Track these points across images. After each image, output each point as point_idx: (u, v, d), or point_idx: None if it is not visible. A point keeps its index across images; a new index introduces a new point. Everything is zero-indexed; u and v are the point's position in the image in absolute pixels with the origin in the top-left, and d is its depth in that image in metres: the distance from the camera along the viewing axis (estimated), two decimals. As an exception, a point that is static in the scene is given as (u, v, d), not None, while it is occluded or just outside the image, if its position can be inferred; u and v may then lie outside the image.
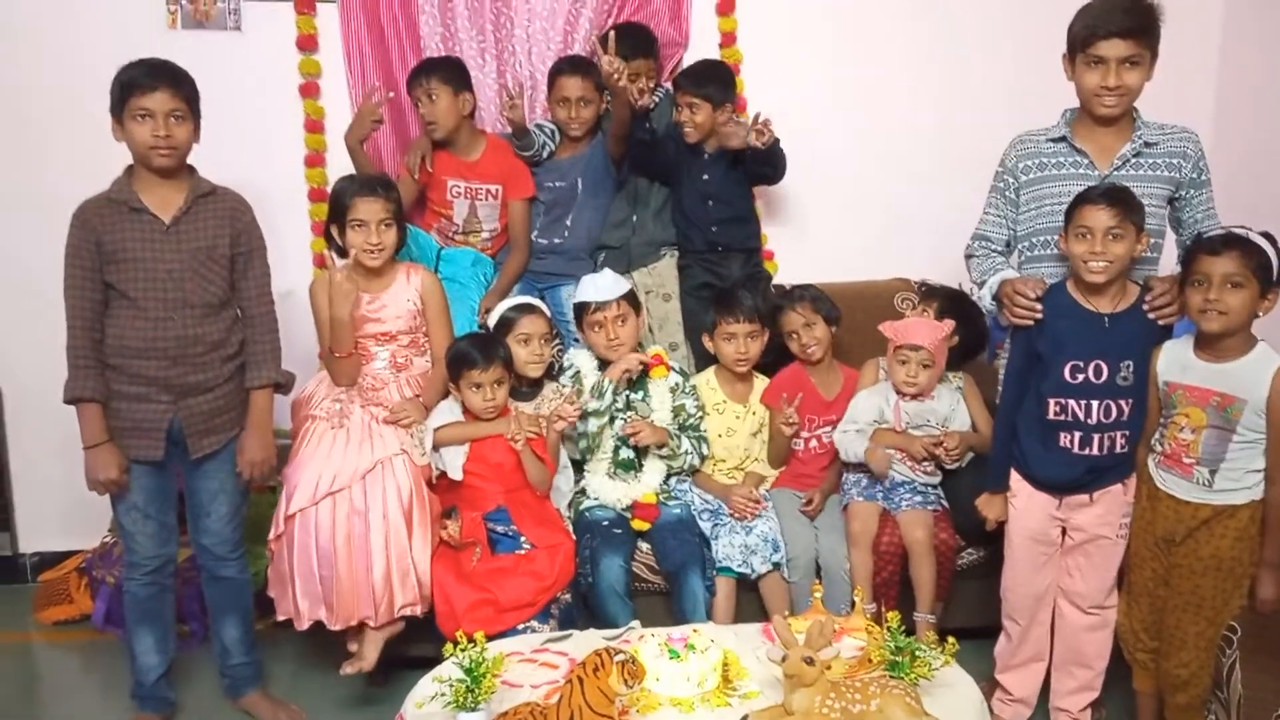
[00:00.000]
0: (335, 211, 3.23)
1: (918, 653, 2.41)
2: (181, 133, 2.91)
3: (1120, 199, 2.80)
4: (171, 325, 2.94)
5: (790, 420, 3.38)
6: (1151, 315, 2.87)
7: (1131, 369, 2.87)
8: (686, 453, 3.42)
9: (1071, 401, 2.89)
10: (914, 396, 3.33)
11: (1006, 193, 3.18)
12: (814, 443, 3.57)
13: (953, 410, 3.36)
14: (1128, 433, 2.90)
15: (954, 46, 4.17)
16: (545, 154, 3.83)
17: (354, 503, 3.07)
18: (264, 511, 3.31)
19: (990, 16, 4.13)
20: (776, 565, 3.31)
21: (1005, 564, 3.11)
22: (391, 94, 3.83)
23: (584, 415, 3.33)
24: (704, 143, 3.71)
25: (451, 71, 3.67)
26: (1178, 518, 2.84)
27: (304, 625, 3.12)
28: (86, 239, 2.91)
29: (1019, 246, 3.21)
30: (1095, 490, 2.95)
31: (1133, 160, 3.03)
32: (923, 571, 3.27)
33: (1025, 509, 3.03)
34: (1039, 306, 2.92)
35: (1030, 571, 3.05)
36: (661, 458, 3.42)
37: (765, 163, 3.60)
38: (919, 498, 3.36)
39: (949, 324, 3.29)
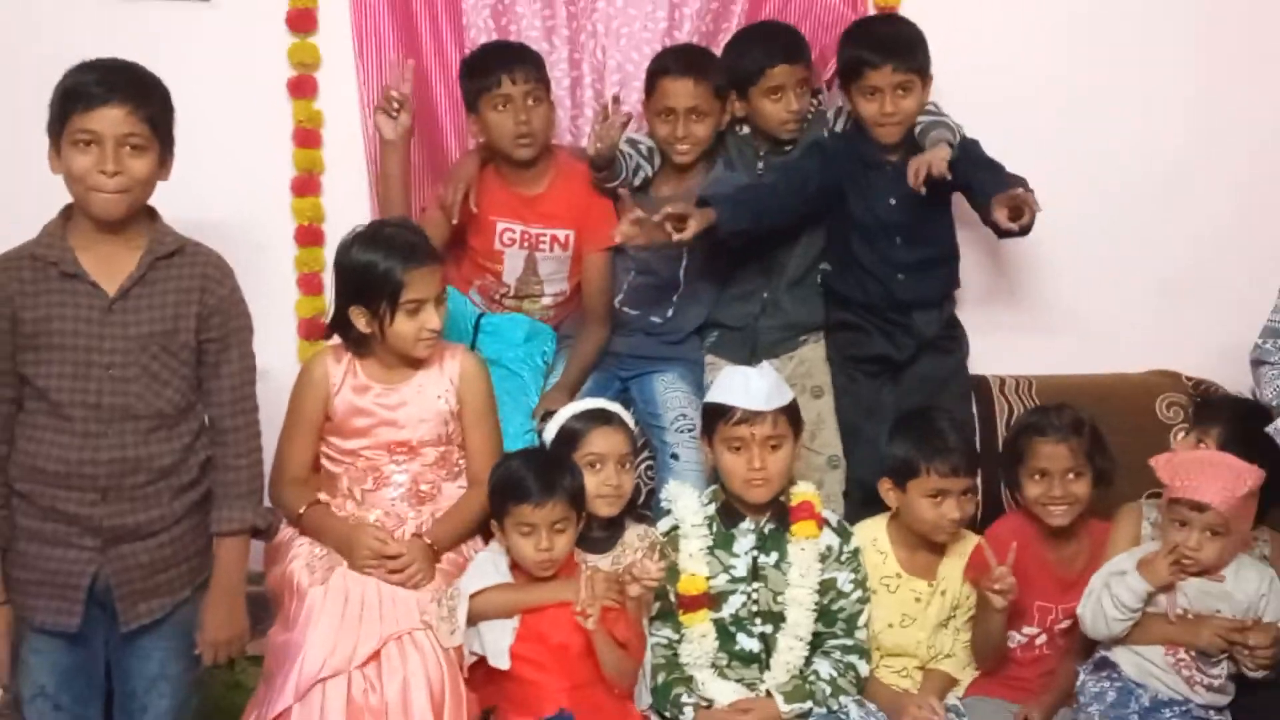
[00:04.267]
0: (372, 287, 2.92)
1: None
2: (139, 166, 2.64)
3: None
4: (105, 443, 2.67)
5: (1004, 587, 2.89)
6: None
7: None
8: (828, 688, 2.97)
9: None
10: (1196, 574, 2.90)
11: None
12: (1043, 638, 3.11)
13: (1263, 596, 2.91)
14: None
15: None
16: (637, 182, 3.45)
17: (356, 697, 2.70)
18: (222, 695, 3.05)
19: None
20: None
21: None
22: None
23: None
24: (892, 150, 3.33)
25: (541, 66, 3.39)
26: None
27: None
28: None
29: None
30: None
31: None
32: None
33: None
34: None
35: None
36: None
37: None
38: (1195, 727, 2.93)
39: (1256, 473, 2.82)
